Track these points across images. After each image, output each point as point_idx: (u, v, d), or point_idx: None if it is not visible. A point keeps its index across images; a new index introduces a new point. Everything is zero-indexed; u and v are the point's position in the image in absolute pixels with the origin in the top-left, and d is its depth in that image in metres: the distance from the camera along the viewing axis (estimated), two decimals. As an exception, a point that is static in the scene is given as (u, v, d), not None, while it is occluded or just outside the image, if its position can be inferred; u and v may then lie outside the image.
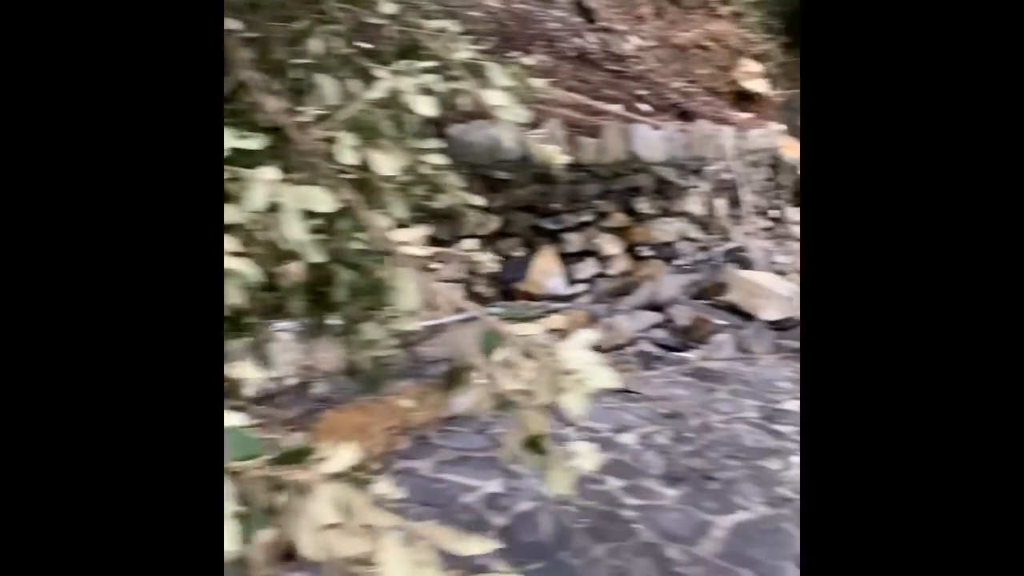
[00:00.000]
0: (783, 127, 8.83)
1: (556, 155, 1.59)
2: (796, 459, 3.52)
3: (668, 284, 5.64)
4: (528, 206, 5.08)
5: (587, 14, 8.80)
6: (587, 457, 1.02)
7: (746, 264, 6.30)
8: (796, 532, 2.89)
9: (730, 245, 6.65)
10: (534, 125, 5.27)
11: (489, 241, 4.91)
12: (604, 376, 0.99)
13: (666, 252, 6.09)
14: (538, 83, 2.09)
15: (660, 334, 5.21)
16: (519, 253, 5.08)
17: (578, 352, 1.01)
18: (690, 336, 5.16)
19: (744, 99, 8.88)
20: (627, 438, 3.74)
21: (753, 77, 8.92)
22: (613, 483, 3.25)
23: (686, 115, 7.40)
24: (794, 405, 4.28)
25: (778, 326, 5.36)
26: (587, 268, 5.50)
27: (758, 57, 9.37)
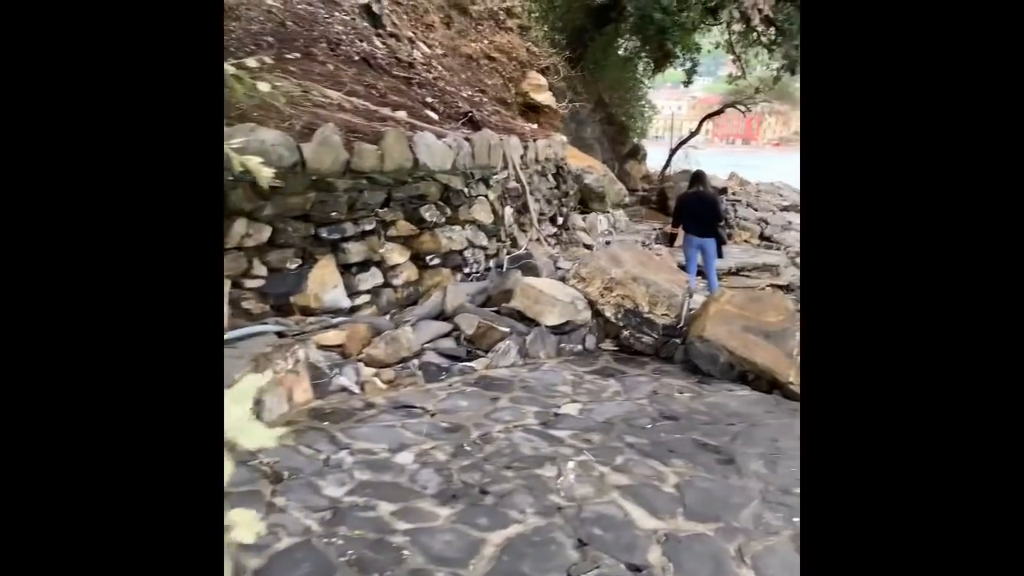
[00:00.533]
0: (566, 138, 9.19)
1: (262, 170, 1.43)
2: (570, 464, 3.58)
3: (455, 293, 5.60)
4: (303, 215, 4.80)
5: (374, 19, 8.61)
6: (246, 528, 0.87)
7: (533, 270, 6.43)
8: (566, 541, 2.92)
9: (517, 252, 6.77)
10: (310, 130, 5.01)
11: (258, 252, 4.57)
12: (258, 435, 0.84)
13: (454, 260, 6.06)
14: (264, 86, 1.91)
15: (447, 344, 5.15)
16: (294, 264, 4.78)
17: (230, 408, 0.86)
18: (476, 345, 5.15)
19: (531, 110, 9.13)
20: (404, 457, 3.61)
21: (539, 89, 9.20)
22: (384, 508, 3.11)
23: (474, 124, 7.45)
24: (571, 408, 4.39)
25: (559, 330, 5.51)
26: (370, 279, 5.31)
27: (544, 70, 9.68)
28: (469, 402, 4.37)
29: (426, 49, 8.59)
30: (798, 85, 21.04)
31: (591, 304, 5.74)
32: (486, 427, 4.02)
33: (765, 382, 4.88)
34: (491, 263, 6.47)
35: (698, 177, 7.72)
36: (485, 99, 8.20)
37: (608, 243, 9.36)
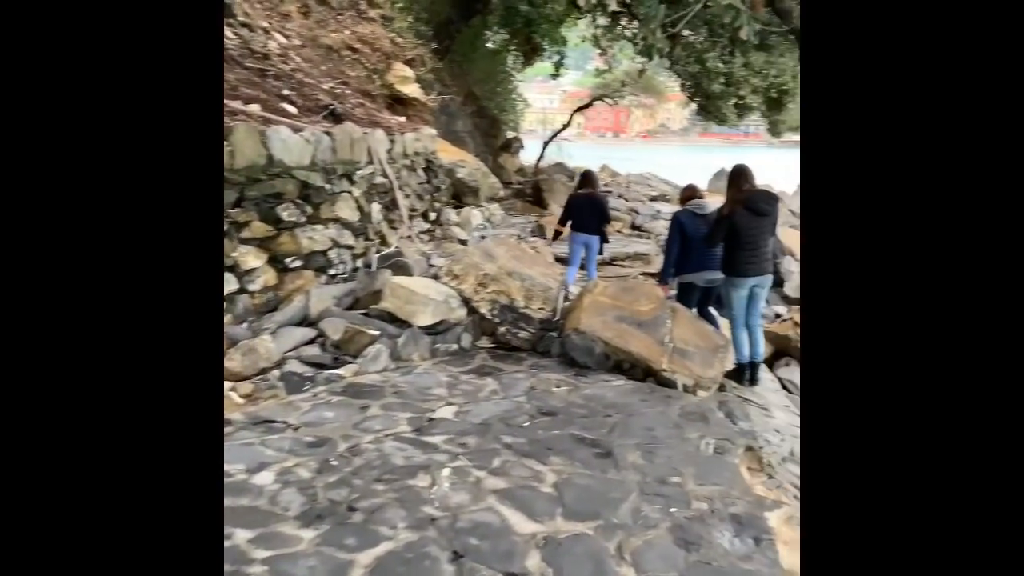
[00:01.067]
0: (436, 131, 8.97)
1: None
2: (445, 471, 3.40)
3: (320, 296, 5.28)
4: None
5: (224, 8, 8.04)
6: None
7: (404, 269, 6.20)
8: (440, 554, 2.74)
9: (387, 251, 6.50)
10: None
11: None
12: None
13: (317, 262, 5.72)
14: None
15: (311, 351, 4.84)
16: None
17: None
18: (343, 350, 4.87)
19: (398, 103, 8.85)
20: (264, 477, 3.31)
21: (405, 81, 8.93)
22: (241, 535, 2.81)
23: (336, 117, 7.10)
24: (446, 411, 4.21)
25: (433, 330, 5.31)
26: (223, 285, 4.91)
27: (410, 62, 9.41)
28: (336, 412, 4.10)
29: (282, 39, 8.12)
30: (662, 78, 21.83)
31: (466, 301, 5.58)
32: (355, 438, 3.77)
33: (640, 370, 4.89)
34: (359, 263, 6.17)
35: (588, 178, 7.89)
36: (348, 91, 7.85)
37: (483, 238, 9.24)
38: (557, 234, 7.82)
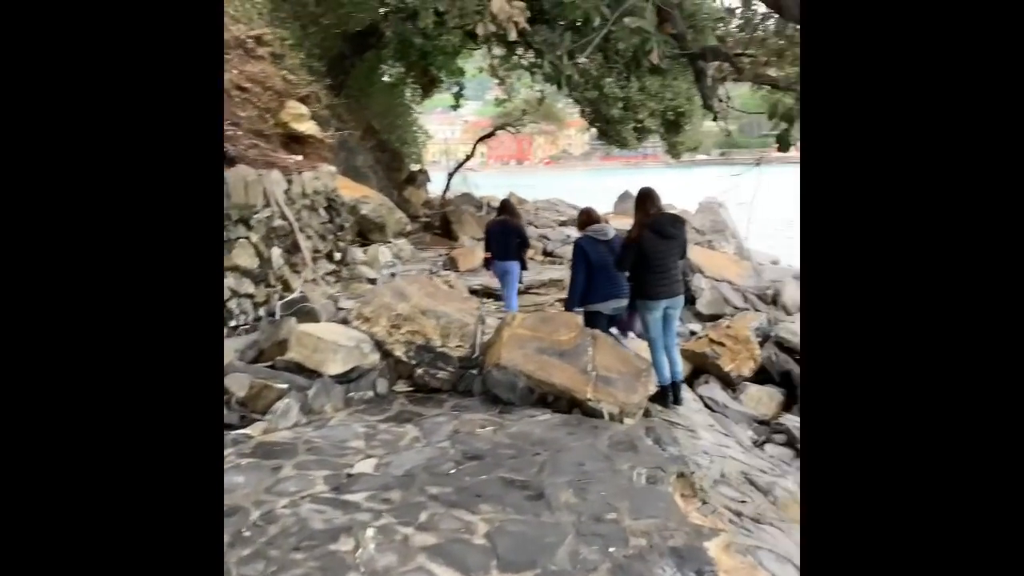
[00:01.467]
0: (336, 168, 8.71)
1: None
2: (369, 532, 3.17)
3: (221, 351, 4.93)
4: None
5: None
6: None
7: (310, 315, 5.91)
8: (369, 629, 2.51)
9: (291, 296, 6.19)
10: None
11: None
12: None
13: (216, 314, 5.36)
14: None
15: (215, 412, 4.49)
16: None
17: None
18: (250, 407, 4.54)
19: (294, 141, 8.55)
20: (165, 562, 2.98)
21: (300, 119, 8.65)
22: (138, 637, 2.49)
23: (229, 160, 6.76)
24: (366, 465, 3.96)
25: (346, 378, 5.04)
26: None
27: (304, 99, 9.14)
28: (246, 476, 3.78)
29: (166, 81, 7.72)
30: (562, 105, 22.20)
31: (379, 345, 5.33)
32: (268, 504, 3.47)
33: (565, 402, 4.78)
34: (261, 312, 5.84)
35: (505, 206, 8.01)
36: (239, 132, 7.51)
37: (394, 275, 9.01)
38: (487, 262, 7.90)
